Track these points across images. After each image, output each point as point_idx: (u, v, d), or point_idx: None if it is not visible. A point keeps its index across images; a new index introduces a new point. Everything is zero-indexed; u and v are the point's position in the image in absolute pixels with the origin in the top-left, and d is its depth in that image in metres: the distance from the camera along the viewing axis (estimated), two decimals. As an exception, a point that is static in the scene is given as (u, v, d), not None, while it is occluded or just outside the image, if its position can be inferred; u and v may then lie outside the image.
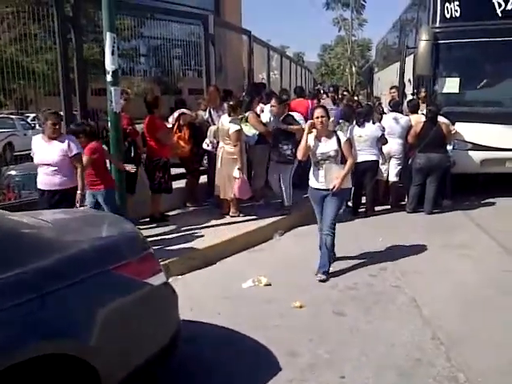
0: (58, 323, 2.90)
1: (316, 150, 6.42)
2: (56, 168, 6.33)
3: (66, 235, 3.46)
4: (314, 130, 6.41)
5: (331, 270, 6.51)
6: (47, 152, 6.33)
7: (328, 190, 6.34)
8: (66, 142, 6.33)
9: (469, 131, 10.25)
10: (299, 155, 6.66)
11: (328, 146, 6.38)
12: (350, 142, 6.63)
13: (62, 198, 6.31)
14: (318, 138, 6.43)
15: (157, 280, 3.63)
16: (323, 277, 6.30)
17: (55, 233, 3.46)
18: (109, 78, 6.54)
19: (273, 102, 9.01)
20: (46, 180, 6.41)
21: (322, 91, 19.09)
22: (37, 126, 16.03)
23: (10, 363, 2.63)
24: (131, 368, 3.33)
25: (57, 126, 6.34)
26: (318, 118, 6.33)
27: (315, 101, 12.72)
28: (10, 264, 2.91)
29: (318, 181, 6.48)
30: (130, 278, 3.40)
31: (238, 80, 15.13)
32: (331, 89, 15.07)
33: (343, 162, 6.40)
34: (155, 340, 3.63)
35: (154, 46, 12.99)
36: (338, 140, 6.38)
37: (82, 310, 3.05)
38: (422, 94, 10.91)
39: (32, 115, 17.39)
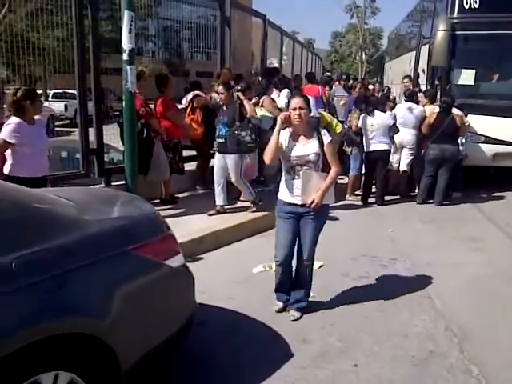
0: (77, 302, 2.88)
1: (290, 153, 4.85)
2: (45, 152, 5.95)
3: (88, 213, 3.43)
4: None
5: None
6: (38, 135, 5.84)
7: (305, 205, 4.84)
8: (44, 121, 6.07)
9: (482, 124, 10.20)
10: (266, 159, 4.98)
11: (307, 148, 4.82)
12: (333, 143, 5.11)
13: (42, 183, 5.61)
14: (293, 137, 4.89)
15: (175, 262, 3.62)
16: (297, 315, 5.08)
17: (77, 211, 3.43)
18: (125, 56, 6.44)
19: (220, 89, 7.80)
20: (39, 166, 5.82)
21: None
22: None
23: (28, 341, 2.60)
24: (148, 348, 3.34)
25: None
26: (294, 109, 4.76)
27: (327, 87, 12.62)
28: (32, 241, 2.86)
29: (292, 193, 4.89)
30: (149, 259, 3.38)
31: (246, 64, 15.03)
32: (343, 76, 14.95)
33: (325, 169, 4.88)
34: (172, 321, 3.64)
35: (166, 27, 12.92)
36: (321, 141, 4.84)
37: (100, 289, 3.04)
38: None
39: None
